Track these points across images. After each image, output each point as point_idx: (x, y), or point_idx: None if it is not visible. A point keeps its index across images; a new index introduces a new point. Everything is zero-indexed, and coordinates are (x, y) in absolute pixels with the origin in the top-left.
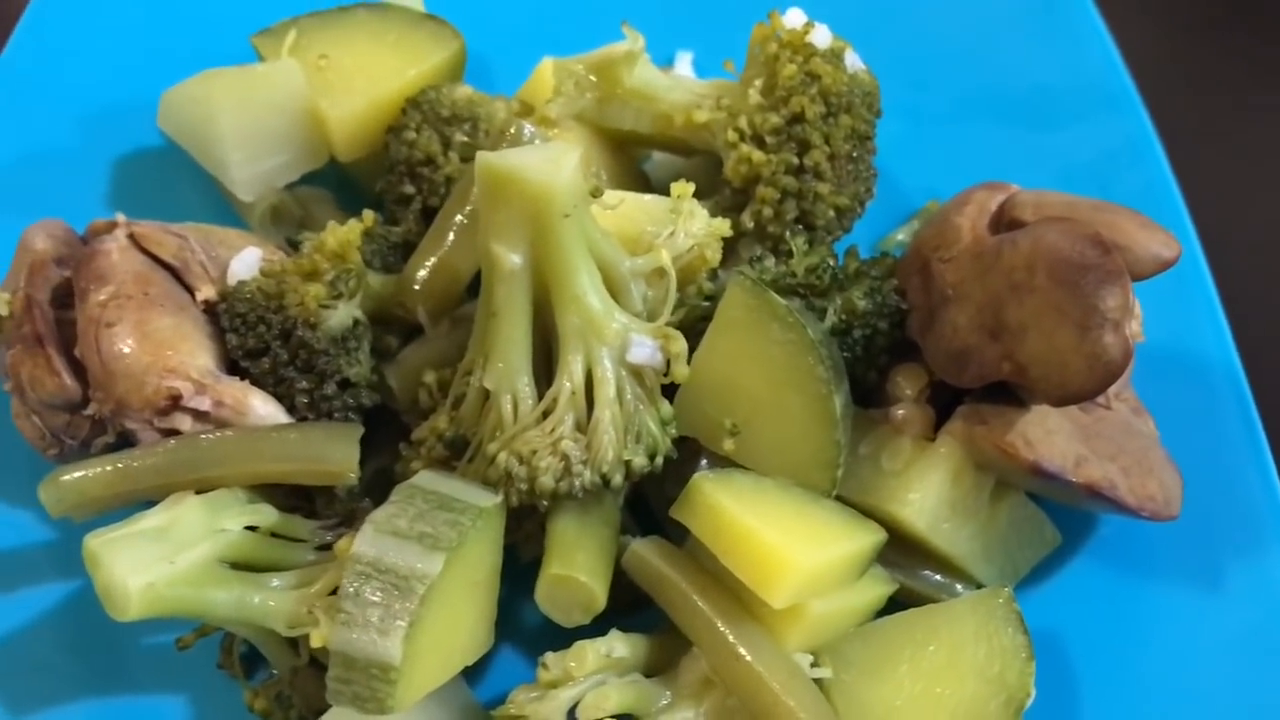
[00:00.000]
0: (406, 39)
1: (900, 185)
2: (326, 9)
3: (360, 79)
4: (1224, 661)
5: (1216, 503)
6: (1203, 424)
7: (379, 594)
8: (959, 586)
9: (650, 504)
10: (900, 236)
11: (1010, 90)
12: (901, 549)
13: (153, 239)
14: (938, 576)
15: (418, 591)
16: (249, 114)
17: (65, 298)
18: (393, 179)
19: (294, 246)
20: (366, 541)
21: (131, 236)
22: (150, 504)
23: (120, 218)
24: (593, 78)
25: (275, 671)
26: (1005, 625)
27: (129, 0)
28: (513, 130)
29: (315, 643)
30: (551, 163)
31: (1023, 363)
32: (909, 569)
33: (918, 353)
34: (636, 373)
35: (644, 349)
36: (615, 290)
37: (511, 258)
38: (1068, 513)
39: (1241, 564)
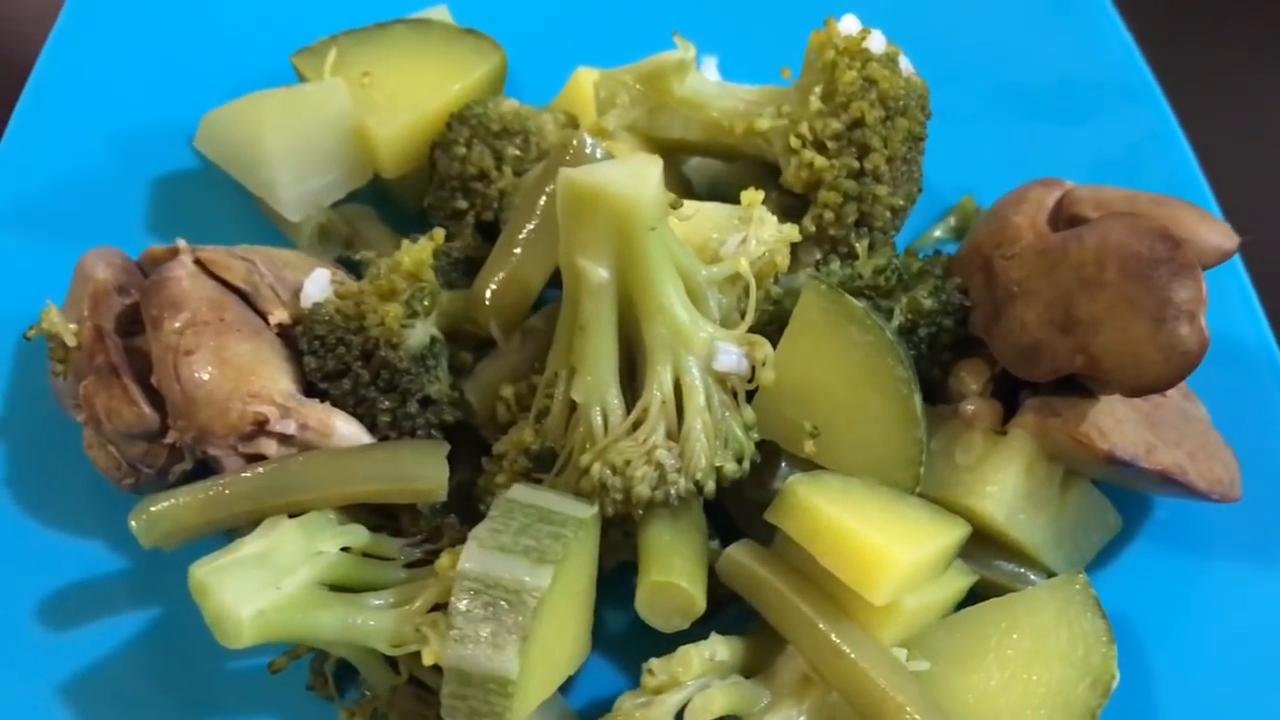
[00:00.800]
0: (447, 53)
1: (930, 182)
2: (365, 26)
3: (404, 96)
4: None
5: (1262, 481)
6: (1241, 405)
7: (490, 609)
8: (1031, 575)
9: (723, 506)
10: (937, 233)
11: (1033, 86)
12: (975, 540)
13: (221, 264)
14: (1011, 566)
15: (529, 604)
16: (297, 134)
17: (129, 326)
18: (444, 194)
19: (344, 264)
20: (473, 558)
21: (198, 262)
22: (229, 532)
23: (181, 244)
24: (641, 88)
25: (366, 691)
26: (1084, 610)
27: (152, 21)
28: (575, 143)
29: (427, 660)
30: (636, 177)
31: (1096, 355)
32: (983, 560)
33: (977, 347)
34: (722, 380)
35: (730, 356)
36: (694, 298)
37: (598, 272)
38: (1124, 496)
39: None
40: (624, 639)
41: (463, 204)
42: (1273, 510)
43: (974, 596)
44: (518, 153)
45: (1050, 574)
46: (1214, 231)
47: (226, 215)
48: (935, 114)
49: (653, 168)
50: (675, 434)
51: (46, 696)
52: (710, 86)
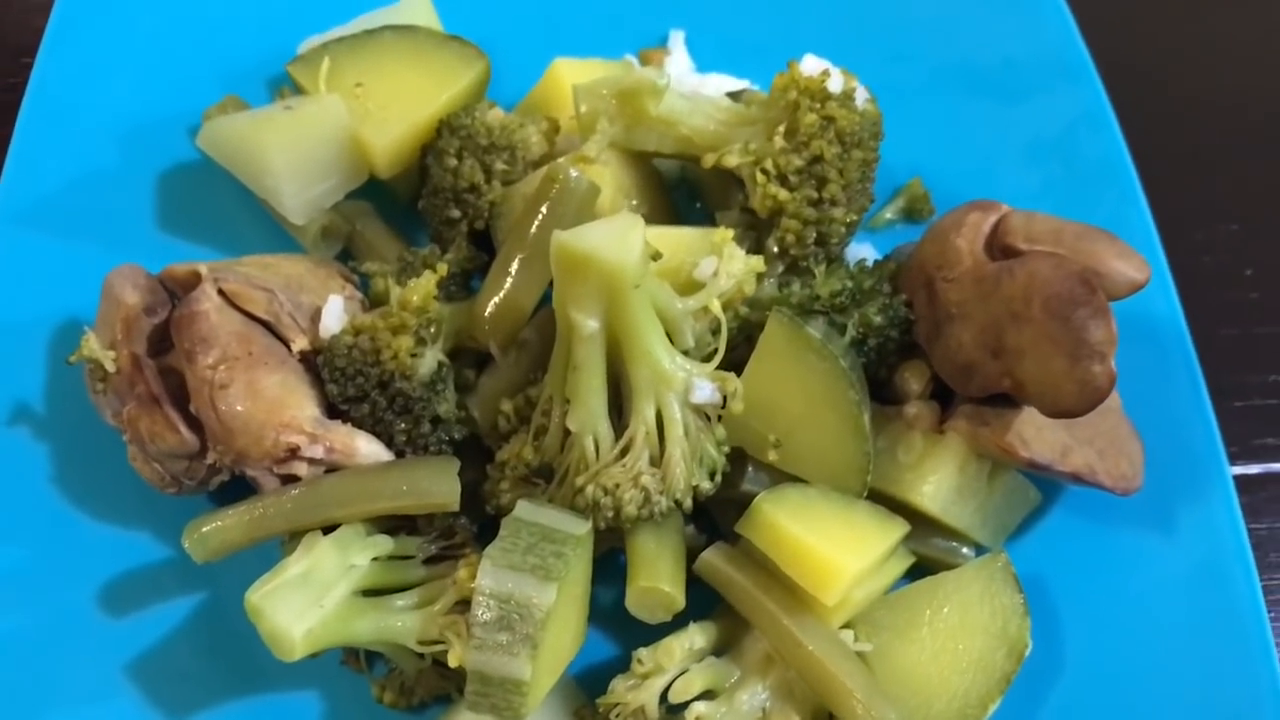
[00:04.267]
0: (434, 60)
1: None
2: (355, 34)
3: (396, 105)
4: (1178, 593)
5: (1166, 455)
6: (1149, 380)
7: (504, 620)
8: (962, 549)
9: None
10: (888, 215)
11: (977, 65)
12: (913, 522)
13: (244, 296)
14: (944, 542)
15: (537, 617)
16: (299, 149)
17: (159, 345)
18: (437, 202)
19: (345, 263)
20: (488, 575)
21: (222, 293)
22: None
23: (203, 270)
24: (619, 105)
25: (394, 666)
26: (1004, 587)
27: (144, 13)
28: (561, 178)
29: (453, 663)
30: (622, 241)
31: (1021, 380)
32: (920, 538)
33: (920, 350)
34: (698, 410)
35: (704, 390)
36: (671, 332)
37: (589, 323)
38: None
39: (1189, 509)
40: (611, 613)
41: (456, 213)
42: (1169, 480)
43: (914, 567)
44: (505, 166)
45: (979, 547)
46: (1129, 266)
47: (233, 210)
48: (882, 92)
49: (636, 231)
50: (658, 460)
51: (113, 676)
52: (681, 103)
